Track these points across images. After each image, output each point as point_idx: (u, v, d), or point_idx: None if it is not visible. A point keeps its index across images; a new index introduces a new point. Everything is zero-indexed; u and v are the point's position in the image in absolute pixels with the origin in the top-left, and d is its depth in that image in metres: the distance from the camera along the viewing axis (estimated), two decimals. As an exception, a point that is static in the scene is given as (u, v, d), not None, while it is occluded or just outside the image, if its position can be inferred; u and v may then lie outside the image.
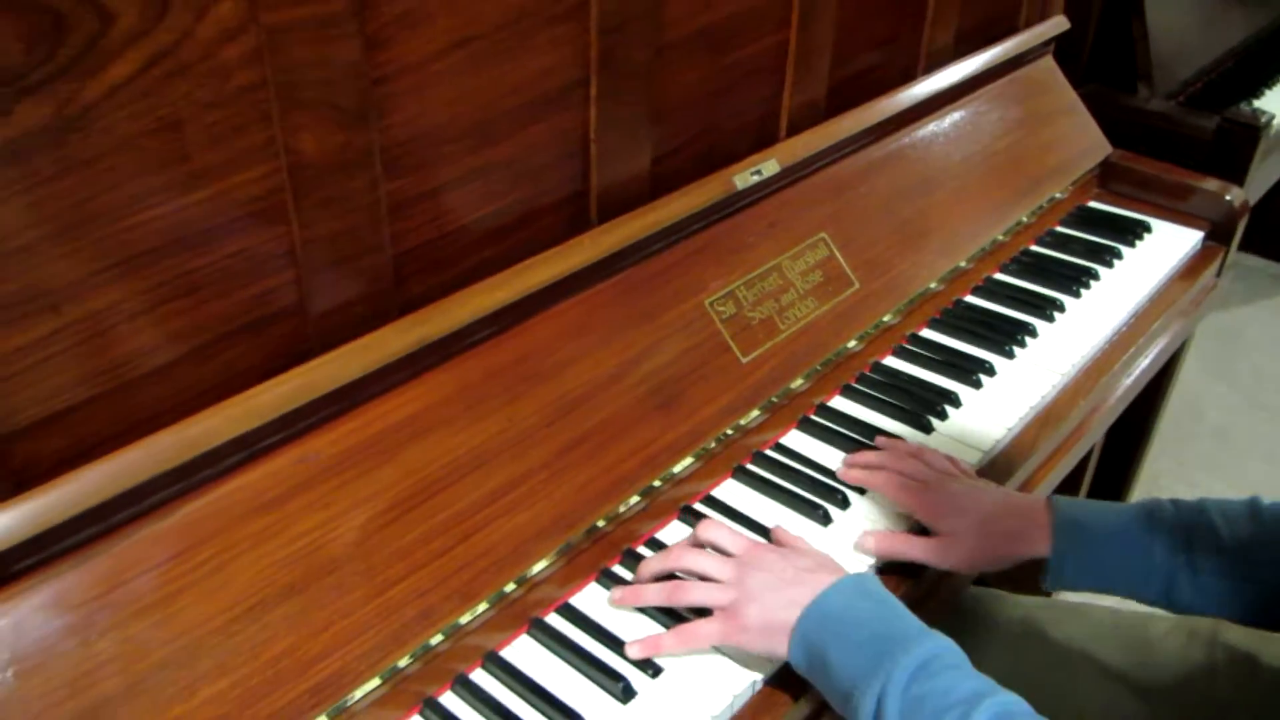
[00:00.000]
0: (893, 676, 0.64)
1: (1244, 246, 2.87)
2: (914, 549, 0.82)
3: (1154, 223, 1.38)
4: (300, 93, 0.65)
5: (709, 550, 0.79)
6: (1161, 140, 1.56)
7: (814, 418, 1.00)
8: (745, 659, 0.75)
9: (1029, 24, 1.39)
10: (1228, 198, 1.38)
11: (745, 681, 0.74)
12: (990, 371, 1.08)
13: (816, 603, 0.70)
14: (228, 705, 0.64)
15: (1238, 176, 1.48)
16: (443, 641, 0.74)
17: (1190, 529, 0.79)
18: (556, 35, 0.81)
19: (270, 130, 0.65)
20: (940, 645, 0.66)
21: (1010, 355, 1.11)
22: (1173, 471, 2.02)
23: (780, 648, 0.71)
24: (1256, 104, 1.77)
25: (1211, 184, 1.40)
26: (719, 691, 0.73)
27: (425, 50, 0.71)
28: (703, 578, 0.77)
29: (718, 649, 0.75)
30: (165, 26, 0.58)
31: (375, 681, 0.70)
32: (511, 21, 0.76)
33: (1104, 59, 1.69)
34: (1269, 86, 1.86)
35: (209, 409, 0.66)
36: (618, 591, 0.79)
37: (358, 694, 0.69)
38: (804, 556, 0.76)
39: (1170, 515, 0.81)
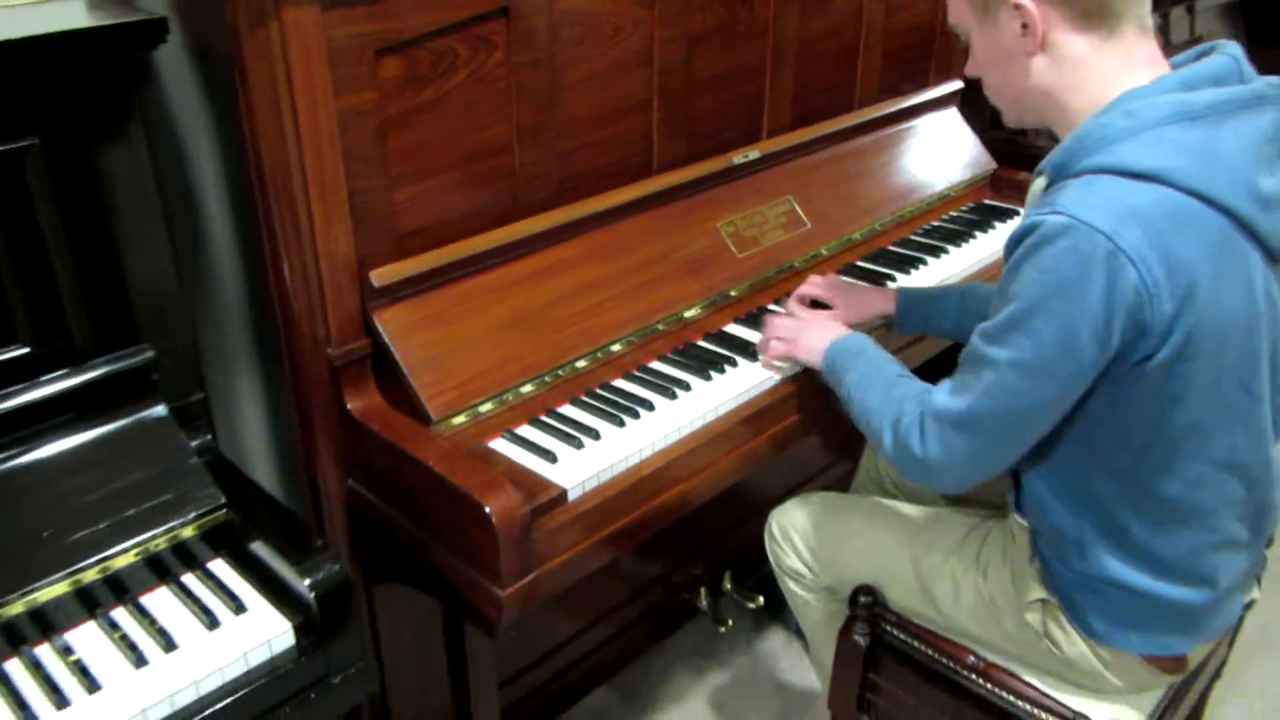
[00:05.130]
0: (859, 360, 1.41)
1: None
2: (834, 318, 1.61)
3: (1023, 210, 2.17)
4: (523, 91, 1.48)
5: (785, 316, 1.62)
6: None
7: (781, 298, 1.79)
8: (750, 381, 1.54)
9: (935, 84, 2.22)
10: (1071, 194, 2.17)
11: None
12: (893, 279, 1.87)
13: (836, 339, 1.48)
14: (486, 366, 1.43)
15: (1089, 185, 2.26)
16: (569, 371, 1.53)
17: (966, 291, 1.58)
18: (637, 74, 1.64)
19: (510, 109, 1.48)
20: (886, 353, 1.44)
21: (907, 272, 1.90)
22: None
23: (817, 360, 1.49)
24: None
25: (1061, 186, 2.19)
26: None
27: (577, 76, 1.55)
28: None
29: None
30: (477, 60, 1.41)
31: (536, 381, 1.49)
32: (617, 66, 1.60)
33: (1008, 113, 2.51)
34: (1140, 135, 2.66)
35: (473, 238, 1.47)
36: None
37: (533, 382, 1.48)
38: (833, 321, 1.58)
39: (957, 285, 1.60)
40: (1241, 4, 3.44)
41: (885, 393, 1.35)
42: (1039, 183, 1.21)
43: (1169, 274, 1.06)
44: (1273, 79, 1.17)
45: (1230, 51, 1.17)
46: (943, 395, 1.24)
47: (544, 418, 1.47)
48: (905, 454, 1.28)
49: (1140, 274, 1.05)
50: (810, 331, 1.54)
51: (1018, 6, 1.15)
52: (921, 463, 1.26)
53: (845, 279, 1.76)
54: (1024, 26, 1.17)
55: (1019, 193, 2.24)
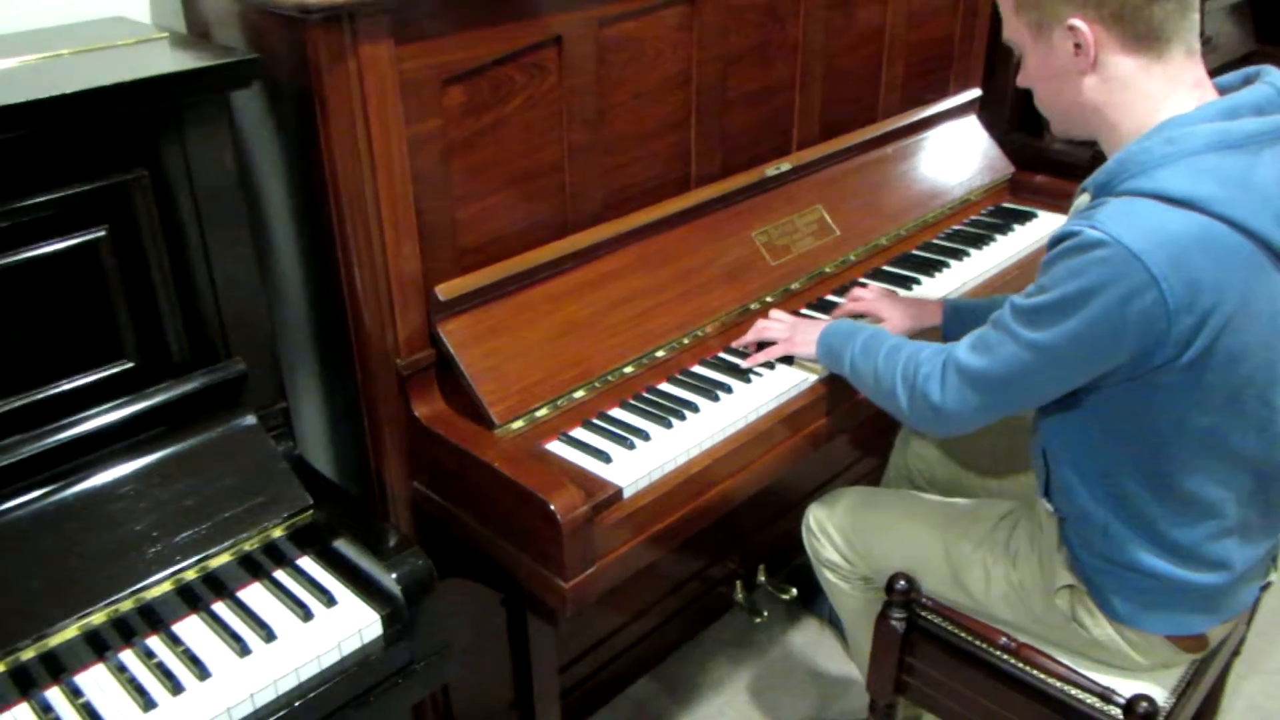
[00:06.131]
0: (859, 335, 1.53)
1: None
2: (888, 325, 1.72)
3: (1040, 213, 2.28)
4: (572, 114, 1.59)
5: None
6: (1061, 166, 2.46)
7: (813, 302, 1.90)
8: (788, 382, 1.64)
9: (954, 93, 2.33)
10: (1087, 197, 2.28)
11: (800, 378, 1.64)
12: (919, 282, 1.97)
13: (828, 326, 1.61)
14: (542, 373, 1.54)
15: (1105, 188, 2.36)
16: (618, 376, 1.64)
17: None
18: (676, 95, 1.75)
19: (560, 130, 1.59)
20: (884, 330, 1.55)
21: (932, 275, 2.00)
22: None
23: (811, 350, 1.62)
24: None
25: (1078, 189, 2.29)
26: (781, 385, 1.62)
27: (621, 98, 1.66)
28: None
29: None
30: (531, 87, 1.52)
31: (587, 387, 1.60)
32: (658, 87, 1.70)
33: (1025, 117, 2.61)
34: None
35: (527, 252, 1.58)
36: (741, 340, 1.73)
37: (585, 388, 1.59)
38: (820, 319, 1.70)
39: (1000, 297, 1.70)
40: (1251, 3, 3.54)
41: (891, 355, 1.46)
42: (1083, 198, 1.30)
43: (1191, 294, 1.14)
44: None
45: (1273, 80, 1.24)
46: (964, 351, 1.35)
47: (596, 421, 1.58)
48: (922, 402, 1.40)
49: (1162, 291, 1.14)
50: (802, 327, 1.68)
51: (1072, 28, 1.23)
52: (937, 409, 1.38)
53: (888, 290, 1.87)
54: (1077, 46, 1.24)
55: (1036, 195, 2.35)
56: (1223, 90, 1.27)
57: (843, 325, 1.61)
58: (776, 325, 1.72)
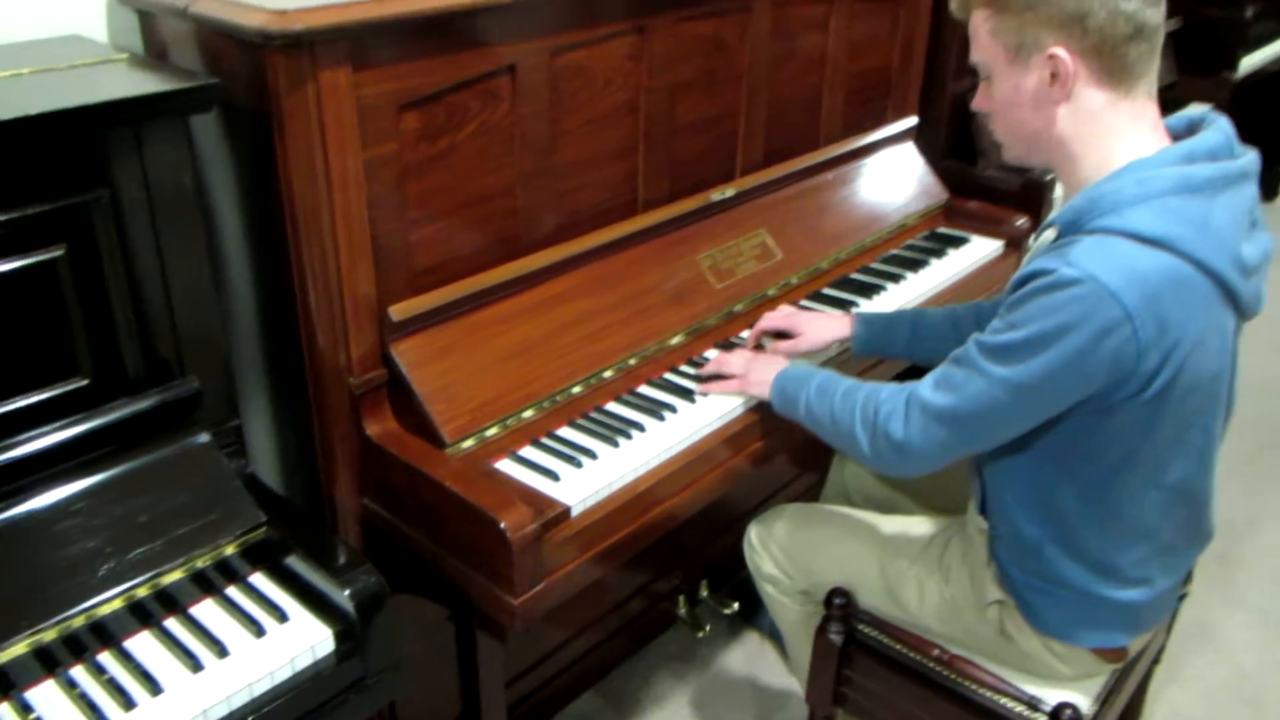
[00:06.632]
0: (813, 380, 1.56)
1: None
2: (798, 344, 1.78)
3: (973, 237, 2.38)
4: (524, 140, 1.63)
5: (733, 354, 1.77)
6: (993, 193, 2.57)
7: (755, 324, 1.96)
8: (731, 404, 1.69)
9: (892, 120, 2.42)
10: (1018, 223, 2.38)
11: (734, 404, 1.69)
12: (857, 305, 2.05)
13: (783, 370, 1.64)
14: (493, 393, 1.58)
15: (1035, 212, 2.47)
16: (566, 397, 1.68)
17: (916, 318, 1.75)
18: (625, 122, 1.80)
19: (512, 157, 1.63)
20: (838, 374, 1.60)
21: (870, 298, 2.08)
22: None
23: (765, 392, 1.65)
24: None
25: (1009, 215, 2.40)
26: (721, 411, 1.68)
27: (572, 125, 1.71)
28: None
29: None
30: (485, 113, 1.57)
31: (536, 406, 1.64)
32: (608, 114, 1.76)
33: (959, 144, 2.71)
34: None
35: (479, 274, 1.62)
36: (702, 372, 1.76)
37: (534, 407, 1.64)
38: (777, 357, 1.73)
39: (908, 310, 1.78)
40: (1173, 36, 3.71)
41: (847, 397, 1.48)
42: (1048, 234, 1.33)
43: (1160, 331, 1.20)
44: (1253, 155, 1.32)
45: (1222, 127, 1.31)
46: (928, 389, 1.37)
47: (545, 440, 1.62)
48: (884, 442, 1.40)
49: (1135, 329, 1.19)
50: (757, 367, 1.69)
51: (1053, 57, 1.25)
52: (900, 447, 1.39)
53: (804, 308, 1.94)
54: (1054, 76, 1.26)
55: (969, 220, 2.45)
56: (1172, 133, 1.33)
57: (796, 370, 1.62)
58: (735, 360, 1.75)
